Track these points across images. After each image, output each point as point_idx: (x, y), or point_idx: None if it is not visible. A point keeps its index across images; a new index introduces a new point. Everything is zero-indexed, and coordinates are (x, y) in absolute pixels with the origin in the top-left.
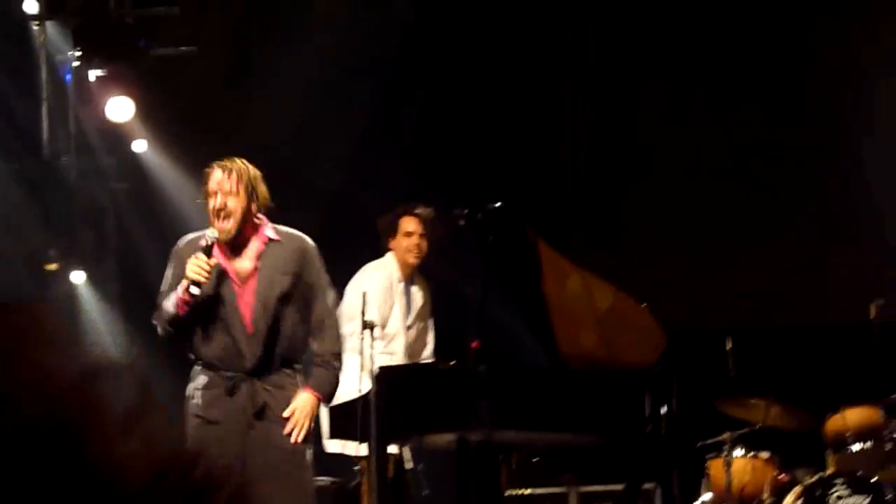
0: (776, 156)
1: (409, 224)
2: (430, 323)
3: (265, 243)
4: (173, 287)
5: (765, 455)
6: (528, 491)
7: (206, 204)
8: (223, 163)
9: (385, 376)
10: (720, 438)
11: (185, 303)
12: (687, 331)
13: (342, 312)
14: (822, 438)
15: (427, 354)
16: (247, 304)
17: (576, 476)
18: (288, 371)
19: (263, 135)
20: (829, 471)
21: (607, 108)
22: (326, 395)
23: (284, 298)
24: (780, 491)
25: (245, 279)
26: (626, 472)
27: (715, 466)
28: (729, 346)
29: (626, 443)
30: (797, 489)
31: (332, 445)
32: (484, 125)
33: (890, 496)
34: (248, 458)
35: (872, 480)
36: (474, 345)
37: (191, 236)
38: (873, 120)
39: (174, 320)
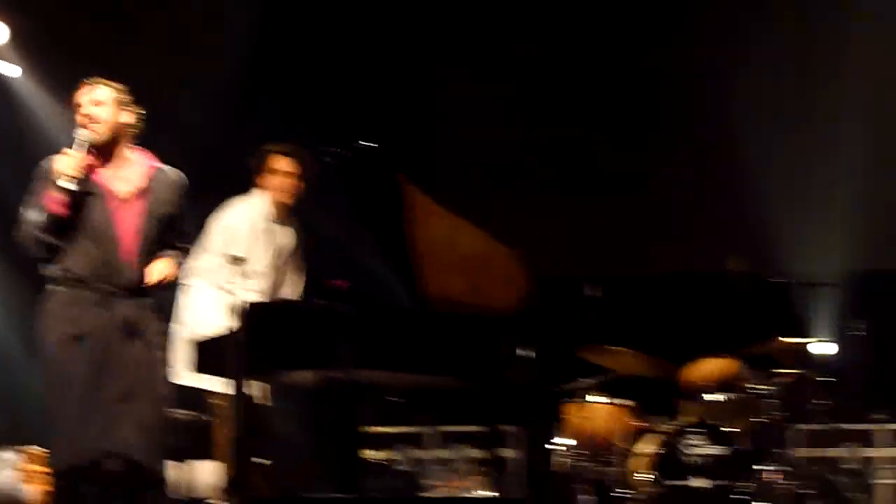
0: (645, 109)
1: (279, 162)
2: (300, 265)
3: (154, 169)
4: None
5: (622, 402)
6: (389, 430)
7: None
8: (93, 80)
9: (252, 312)
10: (578, 384)
11: (62, 203)
12: (550, 277)
13: (203, 246)
14: (679, 388)
15: (293, 294)
16: (130, 223)
17: (434, 417)
18: (149, 297)
19: (142, 76)
20: (685, 420)
21: (481, 59)
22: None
23: (164, 224)
24: (636, 438)
25: (127, 198)
26: (486, 414)
27: (572, 411)
28: (590, 292)
29: (486, 386)
30: (652, 437)
31: (188, 378)
32: (360, 72)
33: (742, 446)
34: (113, 373)
35: (727, 430)
36: (339, 284)
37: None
38: (739, 76)
39: (50, 223)
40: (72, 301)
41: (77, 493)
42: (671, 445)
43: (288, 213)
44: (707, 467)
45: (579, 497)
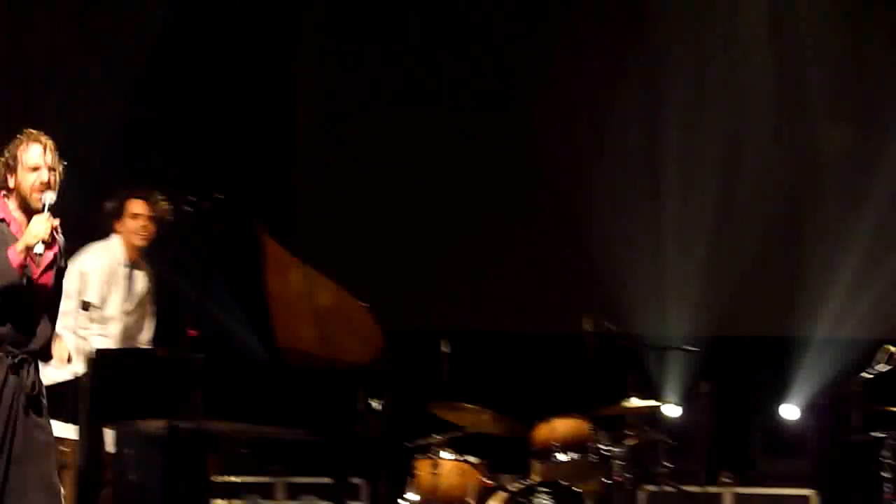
0: (506, 166)
1: (135, 206)
2: (151, 309)
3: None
4: None
5: (472, 459)
6: (237, 479)
7: (24, 175)
8: (37, 136)
9: (101, 359)
10: (429, 440)
11: (22, 266)
12: (403, 331)
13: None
14: (529, 446)
15: (145, 341)
16: (43, 285)
17: (284, 467)
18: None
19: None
20: (534, 479)
21: (339, 110)
22: None
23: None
24: (485, 496)
25: (40, 261)
26: (336, 466)
27: (422, 467)
28: (444, 348)
29: (336, 439)
30: (501, 495)
31: None
32: (215, 121)
33: None
34: (17, 439)
35: (575, 491)
36: (191, 333)
37: None
38: (603, 142)
39: (12, 284)
40: None
41: None
42: None
43: (142, 257)
44: None
45: None
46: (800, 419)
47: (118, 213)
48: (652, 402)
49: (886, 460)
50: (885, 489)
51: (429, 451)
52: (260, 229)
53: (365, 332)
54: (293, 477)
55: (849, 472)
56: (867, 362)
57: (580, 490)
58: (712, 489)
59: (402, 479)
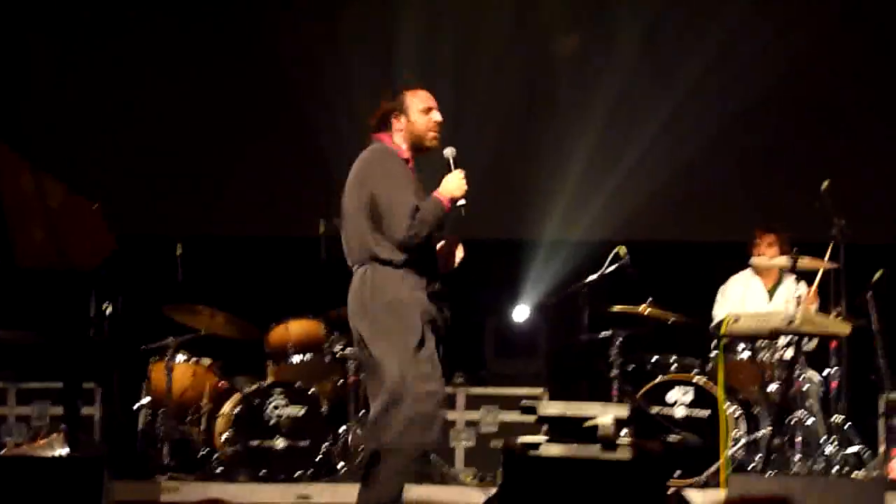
0: (241, 73)
1: None
2: None
3: None
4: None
5: (206, 362)
6: None
7: (417, 116)
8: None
9: None
10: (164, 343)
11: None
12: (138, 235)
13: None
14: (264, 348)
15: None
16: None
17: (14, 373)
18: None
19: None
20: (269, 380)
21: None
22: None
23: None
24: (220, 398)
25: None
26: (67, 371)
27: (156, 370)
28: (178, 252)
29: (68, 342)
30: (236, 396)
31: None
32: None
33: (326, 407)
34: None
35: (310, 391)
36: None
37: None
38: (337, 50)
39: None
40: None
41: None
42: (255, 405)
43: None
44: (290, 427)
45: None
46: (531, 320)
47: None
48: None
49: (613, 359)
50: (612, 386)
51: (163, 353)
52: None
53: (97, 234)
54: (24, 383)
55: (578, 371)
56: (597, 264)
57: (315, 390)
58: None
59: (137, 382)
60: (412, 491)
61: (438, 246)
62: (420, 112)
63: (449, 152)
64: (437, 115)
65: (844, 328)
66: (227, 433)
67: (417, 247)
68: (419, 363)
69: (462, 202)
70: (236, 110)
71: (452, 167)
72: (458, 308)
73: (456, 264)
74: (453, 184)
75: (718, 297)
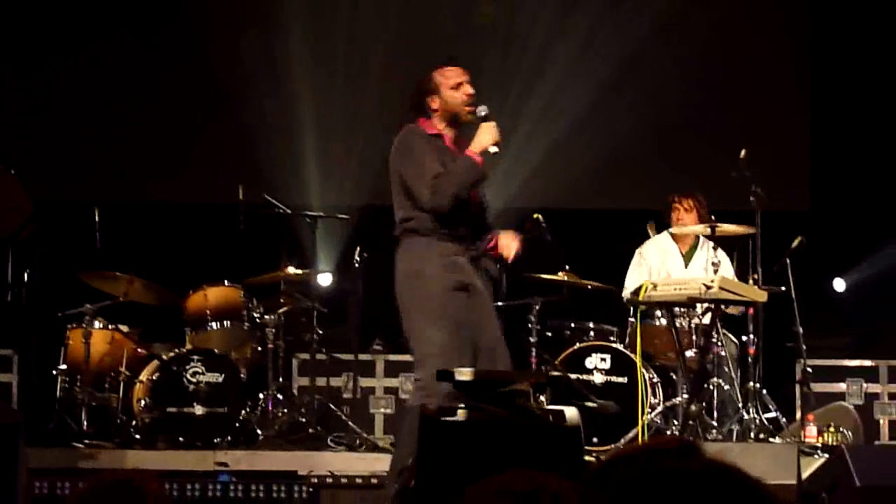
0: (161, 40)
1: None
2: None
3: None
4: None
5: (124, 328)
6: None
7: (449, 94)
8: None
9: None
10: (81, 309)
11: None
12: (55, 201)
13: None
14: (182, 315)
15: None
16: None
17: None
18: None
19: None
20: (187, 347)
21: None
22: None
23: None
24: (138, 364)
25: None
26: None
27: (74, 337)
28: (96, 218)
29: None
30: (154, 363)
31: None
32: None
33: (244, 374)
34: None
35: (228, 358)
36: None
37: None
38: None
39: (478, 178)
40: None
41: None
42: (173, 372)
43: None
44: (208, 394)
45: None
46: None
47: None
48: (304, 271)
49: (532, 326)
50: (531, 353)
51: (80, 320)
52: None
53: (12, 199)
54: None
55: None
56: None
57: (233, 357)
58: (364, 356)
59: (54, 349)
60: (329, 458)
61: (495, 240)
62: (451, 89)
63: (482, 109)
64: (468, 88)
65: (761, 295)
66: (145, 400)
67: (451, 208)
68: (434, 332)
69: (494, 149)
70: (155, 76)
71: (484, 121)
72: (377, 274)
73: (510, 259)
74: (484, 135)
75: (634, 260)
